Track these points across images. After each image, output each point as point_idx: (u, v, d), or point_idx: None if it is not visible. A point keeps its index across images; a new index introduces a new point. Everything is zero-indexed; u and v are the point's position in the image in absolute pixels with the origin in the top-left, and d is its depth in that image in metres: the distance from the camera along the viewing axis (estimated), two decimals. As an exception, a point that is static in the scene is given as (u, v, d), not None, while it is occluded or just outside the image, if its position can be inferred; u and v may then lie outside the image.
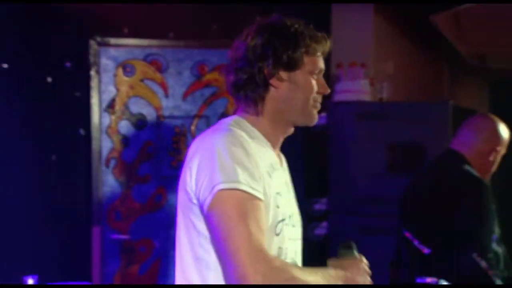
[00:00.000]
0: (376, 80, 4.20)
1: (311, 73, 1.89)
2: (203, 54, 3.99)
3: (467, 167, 2.85)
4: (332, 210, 4.04)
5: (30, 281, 2.56)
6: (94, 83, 3.88)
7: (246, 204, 1.64)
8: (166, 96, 4.02)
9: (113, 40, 3.91)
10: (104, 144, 3.93)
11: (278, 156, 1.94)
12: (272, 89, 1.85)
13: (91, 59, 3.87)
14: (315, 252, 3.24)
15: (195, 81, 4.03)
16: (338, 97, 4.05)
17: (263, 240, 1.62)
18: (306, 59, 1.87)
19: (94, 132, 3.89)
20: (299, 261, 1.95)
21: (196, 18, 3.93)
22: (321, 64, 1.91)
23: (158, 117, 4.01)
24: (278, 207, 1.78)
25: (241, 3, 3.92)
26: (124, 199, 3.97)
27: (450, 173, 2.92)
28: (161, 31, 3.94)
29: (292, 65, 1.85)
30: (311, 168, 4.19)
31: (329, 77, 4.32)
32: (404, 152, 3.87)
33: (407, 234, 2.96)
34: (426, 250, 2.87)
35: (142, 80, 3.99)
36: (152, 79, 4.00)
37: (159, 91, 4.00)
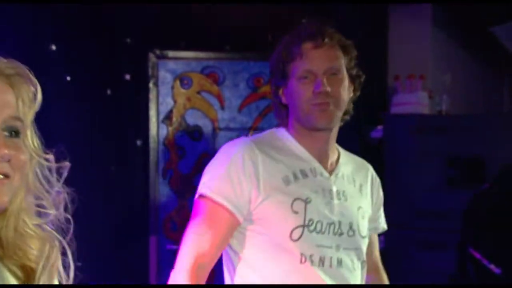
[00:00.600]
0: (435, 93, 4.14)
1: (298, 79, 1.88)
2: (259, 66, 4.01)
3: None
4: (389, 224, 3.98)
5: (89, 290, 2.60)
6: (152, 95, 3.94)
7: (204, 213, 1.86)
8: (222, 108, 4.05)
9: (171, 53, 3.97)
10: (161, 155, 3.98)
11: (331, 164, 1.96)
12: (286, 105, 1.95)
13: (150, 71, 3.93)
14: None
15: (251, 93, 4.05)
16: (395, 110, 4.00)
17: (205, 248, 1.85)
18: (287, 67, 1.89)
19: (152, 143, 3.94)
20: (349, 271, 1.91)
21: (252, 31, 3.95)
22: (308, 65, 1.88)
23: (214, 129, 4.04)
24: (296, 212, 1.83)
25: (298, 16, 3.92)
26: (180, 210, 4.01)
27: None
28: (218, 44, 3.98)
29: (282, 79, 1.91)
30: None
31: (386, 89, 4.28)
32: (464, 166, 3.79)
33: (475, 253, 2.88)
34: (497, 270, 2.78)
35: (199, 92, 4.03)
36: (209, 91, 4.03)
37: (216, 103, 4.04)
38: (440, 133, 3.83)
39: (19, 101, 1.08)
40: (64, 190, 1.15)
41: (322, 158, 1.95)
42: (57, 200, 1.14)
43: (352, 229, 1.93)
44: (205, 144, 4.03)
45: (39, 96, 1.10)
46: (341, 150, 2.10)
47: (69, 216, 1.15)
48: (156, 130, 3.96)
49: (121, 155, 3.88)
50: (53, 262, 1.13)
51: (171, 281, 1.85)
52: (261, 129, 4.04)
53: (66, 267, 1.16)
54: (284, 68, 1.89)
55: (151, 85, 3.93)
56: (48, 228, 1.14)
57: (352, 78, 1.98)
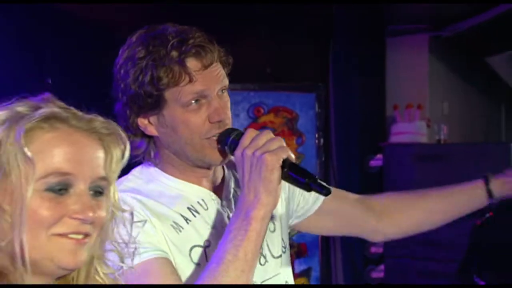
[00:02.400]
0: (433, 122, 4.17)
1: (185, 105, 1.45)
2: (259, 96, 4.04)
3: None
4: (389, 253, 3.98)
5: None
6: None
7: (153, 271, 1.40)
8: (223, 138, 4.05)
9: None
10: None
11: (217, 186, 1.58)
12: (152, 138, 1.52)
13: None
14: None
15: (251, 123, 4.07)
16: (394, 139, 4.03)
17: None
18: (167, 92, 1.44)
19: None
20: None
21: (251, 61, 3.99)
22: (200, 85, 1.45)
23: (215, 158, 4.04)
24: (198, 264, 1.46)
25: (298, 44, 3.97)
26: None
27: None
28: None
29: (148, 107, 1.45)
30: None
31: (385, 119, 4.31)
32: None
33: (480, 281, 2.88)
34: None
35: (199, 122, 4.04)
36: (209, 121, 4.05)
37: (216, 133, 4.05)
38: (439, 161, 3.86)
39: (108, 160, 1.09)
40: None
41: (209, 183, 1.57)
42: (127, 252, 1.15)
43: (262, 255, 1.56)
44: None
45: (127, 154, 1.11)
46: None
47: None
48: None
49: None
50: None
51: None
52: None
53: None
54: (156, 92, 1.43)
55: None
56: (119, 278, 1.15)
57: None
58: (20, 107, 1.06)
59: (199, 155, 1.50)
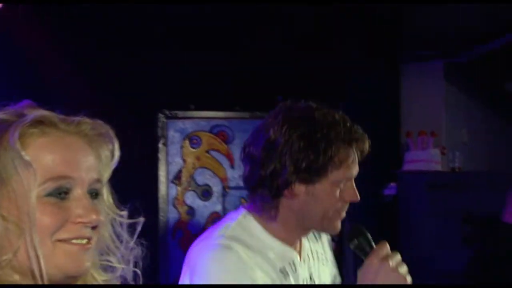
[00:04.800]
0: (448, 149, 4.08)
1: (336, 184, 1.60)
2: (269, 124, 3.99)
3: None
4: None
5: None
6: (161, 155, 3.92)
7: None
8: (232, 167, 4.01)
9: (180, 113, 3.97)
10: (170, 216, 3.94)
11: (300, 249, 1.71)
12: (284, 198, 1.61)
13: (159, 131, 3.93)
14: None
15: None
16: (408, 167, 3.94)
17: None
18: (330, 170, 1.58)
19: (161, 204, 3.91)
20: None
21: (260, 90, 3.95)
22: (353, 171, 1.61)
23: (224, 188, 4.00)
24: None
25: (310, 71, 3.93)
26: (190, 272, 3.93)
27: (499, 248, 2.77)
28: (227, 103, 3.98)
29: (311, 178, 1.58)
30: (381, 239, 4.05)
31: (399, 146, 4.23)
32: (481, 224, 3.69)
33: None
34: None
35: (208, 151, 4.01)
36: (218, 150, 4.01)
37: (225, 162, 4.01)
38: (453, 190, 3.76)
39: (99, 161, 1.09)
40: (137, 246, 1.16)
41: (297, 246, 1.70)
42: (127, 255, 1.14)
43: None
44: (215, 203, 3.99)
45: (117, 154, 1.12)
46: None
47: (139, 272, 1.16)
48: (166, 190, 3.93)
49: (131, 216, 3.84)
50: None
51: None
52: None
53: None
54: (319, 168, 1.56)
55: (160, 145, 3.92)
56: (116, 283, 1.14)
57: None
58: (4, 115, 1.04)
59: (325, 225, 1.64)
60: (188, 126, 4.00)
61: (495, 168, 4.86)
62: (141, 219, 1.18)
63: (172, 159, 3.98)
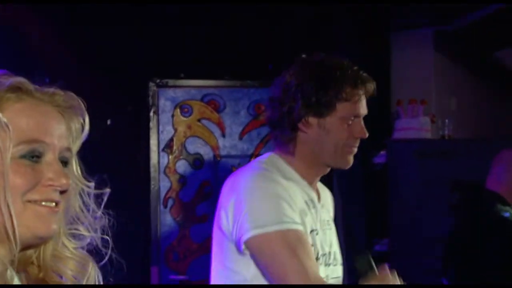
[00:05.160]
0: (438, 117, 4.10)
1: (344, 119, 1.81)
2: (260, 93, 3.99)
3: (499, 207, 2.72)
4: (394, 251, 3.92)
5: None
6: (152, 124, 3.92)
7: (292, 241, 1.72)
8: (223, 135, 4.02)
9: (171, 82, 3.96)
10: (162, 184, 3.95)
11: (317, 192, 1.92)
12: (301, 132, 1.83)
13: (150, 100, 3.92)
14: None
15: (251, 120, 4.03)
16: (397, 135, 3.97)
17: (317, 271, 1.75)
18: (338, 105, 1.80)
19: (153, 172, 3.92)
20: None
21: (252, 58, 3.94)
22: (360, 109, 1.83)
23: (215, 156, 4.01)
24: (311, 245, 1.79)
25: (299, 40, 3.92)
26: (181, 239, 3.96)
27: (481, 215, 2.81)
28: (218, 72, 3.97)
29: (321, 111, 1.80)
30: (371, 207, 4.09)
31: (390, 115, 4.25)
32: (468, 191, 3.73)
33: (444, 280, 2.83)
34: None
35: (199, 120, 4.01)
36: (209, 119, 4.02)
37: (216, 130, 4.02)
38: (443, 157, 3.79)
39: (69, 132, 1.13)
40: (104, 215, 1.19)
41: (314, 187, 1.92)
42: (94, 224, 1.18)
43: (335, 258, 1.91)
44: (206, 172, 4.00)
45: (87, 128, 1.14)
46: None
47: (109, 239, 1.20)
48: (157, 158, 3.94)
49: (122, 185, 3.85)
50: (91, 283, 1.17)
51: None
52: (263, 157, 4.02)
53: None
54: (327, 102, 1.80)
55: (151, 113, 3.92)
56: (83, 251, 1.18)
57: None
58: None
59: (338, 158, 1.83)
60: (179, 94, 4.00)
61: (483, 135, 4.90)
62: (107, 190, 1.20)
63: (163, 127, 3.98)
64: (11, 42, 3.57)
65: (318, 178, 1.92)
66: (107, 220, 1.20)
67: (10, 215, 1.03)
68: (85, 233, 1.17)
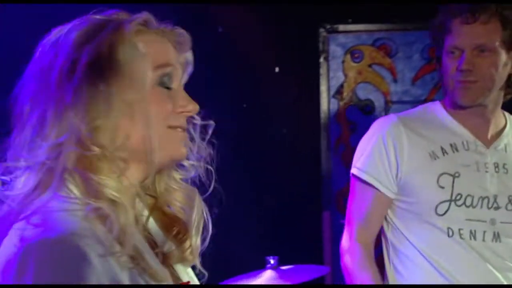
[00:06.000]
0: None
1: (447, 53, 1.93)
2: (433, 36, 3.82)
3: None
4: None
5: (272, 261, 2.83)
6: (323, 70, 3.92)
7: (357, 191, 1.98)
8: (395, 81, 3.93)
9: (341, 27, 3.92)
10: (332, 130, 3.97)
11: (490, 137, 1.92)
12: None
13: (320, 46, 3.92)
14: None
15: (425, 64, 3.89)
16: None
17: (359, 228, 1.95)
18: (440, 40, 1.96)
19: (323, 119, 3.94)
20: (508, 248, 1.88)
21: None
22: (453, 41, 1.92)
23: (386, 102, 3.94)
24: (442, 187, 1.84)
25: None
26: (352, 185, 3.97)
27: None
28: (389, 15, 3.85)
29: (436, 48, 1.97)
30: None
31: None
32: None
33: None
34: None
35: (370, 66, 3.94)
36: (380, 64, 3.93)
37: (388, 76, 3.93)
38: None
39: (179, 66, 1.19)
40: (208, 148, 1.24)
41: (478, 131, 1.92)
42: (198, 155, 1.24)
43: (511, 202, 1.88)
44: (377, 117, 3.92)
45: (191, 64, 1.22)
46: (511, 120, 2.04)
47: (210, 168, 1.24)
48: (327, 105, 3.95)
49: (292, 131, 3.92)
50: (200, 216, 1.23)
51: (344, 258, 2.01)
52: (437, 102, 3.87)
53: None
54: (438, 41, 1.92)
55: (321, 60, 3.92)
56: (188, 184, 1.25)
57: None
58: (114, 15, 1.16)
59: (452, 94, 1.90)
60: (350, 40, 3.95)
61: None
62: (212, 122, 1.24)
63: (334, 74, 3.96)
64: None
65: (478, 121, 2.02)
66: (211, 151, 1.25)
67: (151, 141, 1.09)
68: (189, 163, 1.23)
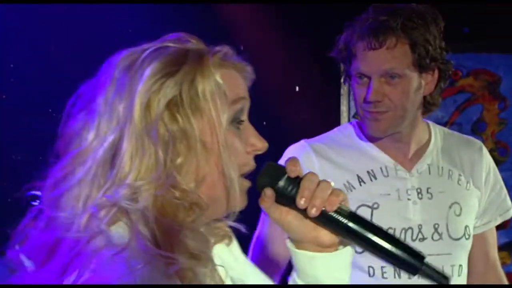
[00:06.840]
0: None
1: (355, 77, 1.78)
2: (456, 58, 3.76)
3: None
4: None
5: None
6: (343, 90, 3.90)
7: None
8: (416, 102, 3.89)
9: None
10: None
11: (410, 158, 1.74)
12: None
13: (342, 66, 3.86)
14: None
15: (447, 86, 3.83)
16: None
17: None
18: (347, 63, 1.87)
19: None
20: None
21: (447, 20, 3.74)
22: (359, 67, 1.79)
23: (407, 124, 3.90)
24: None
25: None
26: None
27: None
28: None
29: (347, 69, 1.85)
30: None
31: None
32: None
33: None
34: None
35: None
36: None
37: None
38: None
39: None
40: None
41: (398, 154, 1.76)
42: None
43: (437, 232, 1.71)
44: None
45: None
46: (437, 134, 1.88)
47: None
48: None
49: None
50: None
51: None
52: (458, 124, 3.82)
53: None
54: (344, 61, 1.76)
55: (342, 80, 3.88)
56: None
57: (431, 70, 1.74)
58: (193, 44, 1.09)
59: (363, 123, 1.72)
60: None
61: None
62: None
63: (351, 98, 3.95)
64: (208, 15, 3.70)
65: (397, 144, 1.91)
66: None
67: (227, 187, 0.99)
68: None
